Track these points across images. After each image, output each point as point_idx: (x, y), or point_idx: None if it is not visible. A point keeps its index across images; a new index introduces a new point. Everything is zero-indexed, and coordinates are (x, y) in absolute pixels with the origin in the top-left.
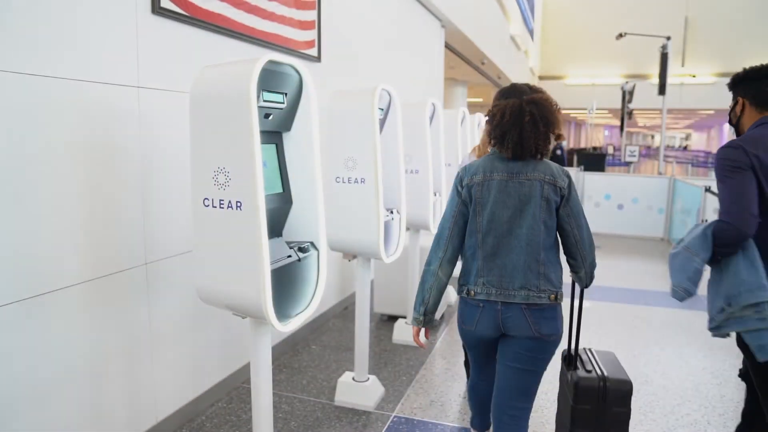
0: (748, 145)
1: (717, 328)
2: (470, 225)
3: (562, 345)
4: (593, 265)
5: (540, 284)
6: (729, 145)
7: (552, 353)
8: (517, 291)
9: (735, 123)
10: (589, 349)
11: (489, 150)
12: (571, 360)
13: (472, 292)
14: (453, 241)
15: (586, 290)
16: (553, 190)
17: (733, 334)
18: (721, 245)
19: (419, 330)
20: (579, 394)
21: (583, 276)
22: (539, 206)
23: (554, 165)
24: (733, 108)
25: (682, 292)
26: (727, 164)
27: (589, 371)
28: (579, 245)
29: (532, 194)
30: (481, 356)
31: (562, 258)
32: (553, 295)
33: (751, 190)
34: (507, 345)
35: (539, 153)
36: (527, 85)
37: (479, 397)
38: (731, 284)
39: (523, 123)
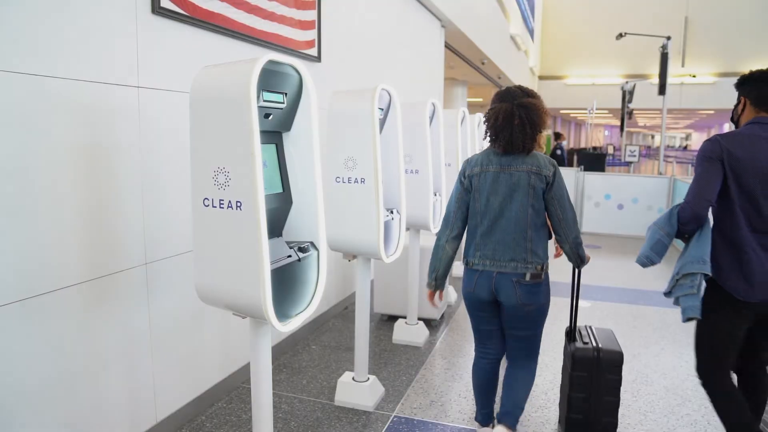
0: (725, 139)
1: (669, 293)
2: (471, 209)
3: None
4: (577, 240)
5: (527, 257)
6: (709, 139)
7: (537, 320)
8: (508, 263)
9: (736, 120)
10: (589, 326)
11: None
12: (571, 334)
13: (471, 263)
14: (457, 222)
15: (587, 290)
16: (538, 179)
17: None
18: (681, 223)
19: (433, 293)
20: (576, 363)
21: (569, 251)
22: (526, 193)
23: (542, 157)
24: (736, 106)
25: (645, 260)
26: (702, 155)
27: (585, 343)
28: (562, 223)
29: (520, 183)
30: (482, 322)
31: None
32: (539, 266)
33: (714, 180)
34: (504, 314)
35: (526, 149)
36: (520, 89)
37: (479, 380)
38: (684, 257)
39: (513, 125)
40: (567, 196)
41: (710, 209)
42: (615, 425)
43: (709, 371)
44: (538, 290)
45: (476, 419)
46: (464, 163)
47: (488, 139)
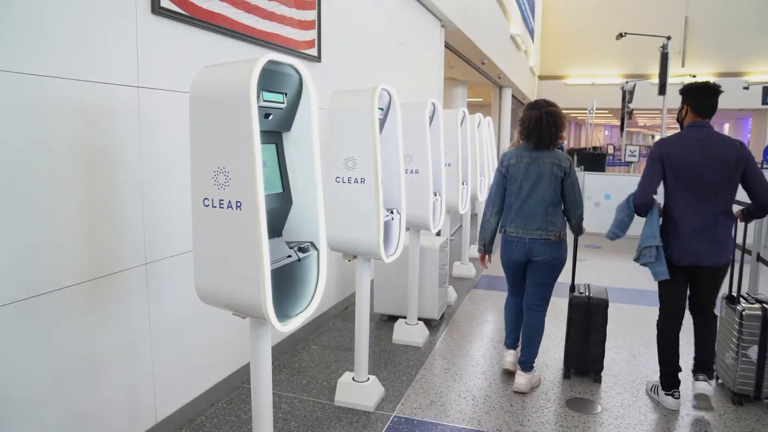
0: (665, 143)
1: (636, 259)
2: (508, 191)
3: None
4: (581, 217)
5: (548, 226)
6: (655, 143)
7: (557, 270)
8: (535, 230)
9: (680, 122)
10: (588, 284)
11: (520, 143)
12: (571, 287)
13: (508, 231)
14: (497, 200)
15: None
16: (559, 169)
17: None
18: (635, 206)
19: (484, 256)
20: (572, 307)
21: (574, 223)
22: (550, 180)
23: (562, 153)
24: (680, 110)
25: (612, 235)
26: (648, 156)
27: (581, 293)
28: (572, 204)
29: (545, 172)
30: (515, 276)
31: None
32: (557, 233)
33: (655, 175)
34: (532, 267)
35: (552, 145)
36: (545, 101)
37: (510, 312)
38: (642, 234)
39: (542, 127)
40: (578, 183)
41: (655, 195)
42: (602, 354)
43: (664, 323)
44: (561, 247)
45: (505, 344)
46: (502, 156)
47: (522, 137)
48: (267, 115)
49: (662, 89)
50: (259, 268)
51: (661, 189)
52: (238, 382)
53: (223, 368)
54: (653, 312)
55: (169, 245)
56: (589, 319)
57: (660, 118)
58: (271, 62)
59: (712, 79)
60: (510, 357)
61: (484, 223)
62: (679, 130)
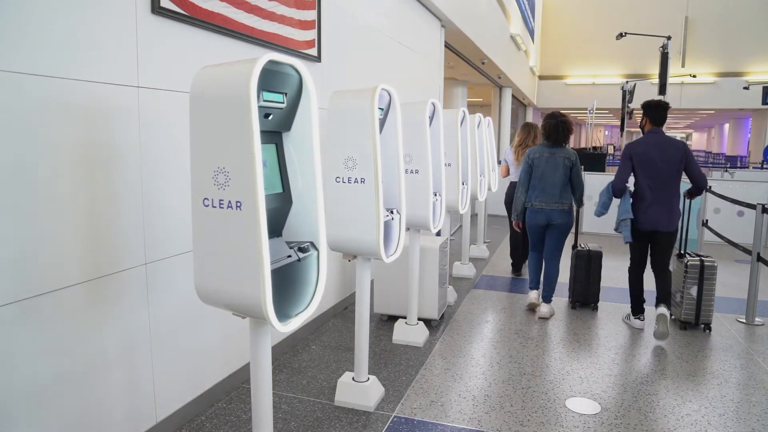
0: (633, 145)
1: (616, 229)
2: (533, 177)
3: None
4: (582, 194)
5: (562, 200)
6: (626, 145)
7: (568, 231)
8: (553, 203)
9: (642, 128)
10: (587, 243)
11: (541, 141)
12: (574, 246)
13: (534, 204)
14: (525, 183)
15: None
16: (569, 161)
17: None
18: (613, 191)
19: (518, 223)
20: (577, 258)
21: (577, 198)
22: (562, 169)
23: (570, 150)
24: (641, 121)
25: (598, 212)
26: (621, 155)
27: (583, 248)
28: (577, 186)
29: (559, 163)
30: (537, 237)
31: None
32: (567, 205)
33: (626, 170)
34: (551, 229)
35: (564, 143)
36: (558, 113)
37: (534, 264)
38: (618, 210)
39: (558, 131)
40: (581, 171)
41: (627, 183)
42: (598, 290)
43: (633, 269)
44: (570, 214)
45: (529, 287)
46: (528, 151)
47: (544, 138)
48: (267, 115)
49: (662, 89)
50: (259, 268)
51: (631, 179)
52: (238, 382)
53: (223, 368)
54: (653, 312)
55: (169, 245)
56: (589, 265)
57: None
58: (271, 62)
59: (712, 79)
60: (534, 294)
61: (517, 200)
62: (641, 135)
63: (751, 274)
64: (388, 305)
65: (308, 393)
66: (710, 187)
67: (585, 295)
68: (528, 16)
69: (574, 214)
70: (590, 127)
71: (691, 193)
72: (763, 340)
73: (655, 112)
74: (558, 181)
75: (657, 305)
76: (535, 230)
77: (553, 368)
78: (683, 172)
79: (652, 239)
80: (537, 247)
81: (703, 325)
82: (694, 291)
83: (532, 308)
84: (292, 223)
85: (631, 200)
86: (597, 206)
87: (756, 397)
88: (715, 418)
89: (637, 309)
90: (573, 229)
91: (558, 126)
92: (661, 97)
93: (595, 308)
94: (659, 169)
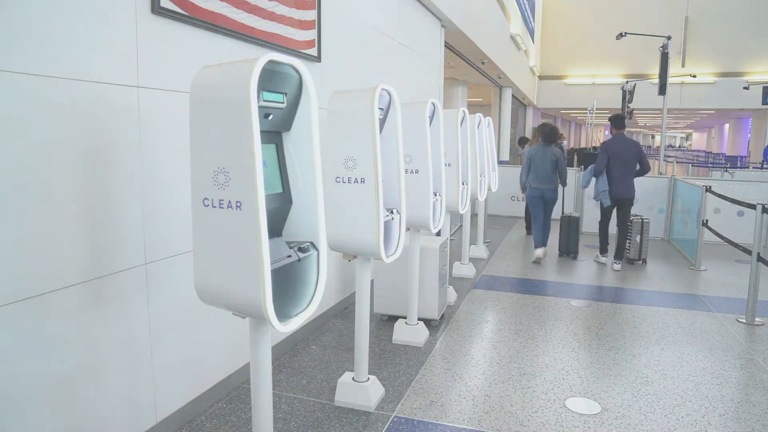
0: (607, 143)
1: (594, 198)
2: (531, 167)
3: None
4: (565, 178)
5: (551, 182)
6: (602, 143)
7: (554, 202)
8: (546, 185)
9: (611, 131)
10: (570, 212)
11: (538, 142)
12: (562, 217)
13: (533, 185)
14: (526, 170)
15: (587, 291)
16: (554, 157)
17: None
18: (594, 173)
19: (524, 190)
20: (562, 222)
21: (561, 181)
22: (550, 161)
23: (556, 149)
24: (610, 128)
25: (583, 185)
26: (599, 150)
27: (566, 215)
28: (561, 173)
29: (548, 158)
30: (538, 207)
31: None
32: (555, 185)
33: (603, 160)
34: (545, 203)
35: (553, 143)
36: (549, 123)
37: (537, 227)
38: (596, 185)
39: (548, 135)
40: (564, 162)
41: (604, 168)
42: (577, 244)
43: (603, 222)
44: (556, 192)
45: (535, 246)
46: (528, 149)
47: (540, 140)
48: (267, 115)
49: (662, 89)
50: (259, 268)
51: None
52: (238, 382)
53: (223, 368)
54: (653, 312)
55: (169, 245)
56: (569, 226)
57: (660, 118)
58: (271, 62)
59: (712, 79)
60: (540, 251)
61: (521, 181)
62: (610, 136)
63: (751, 274)
64: (388, 305)
65: (308, 393)
66: (710, 187)
67: (568, 247)
68: (528, 16)
69: (559, 190)
70: (590, 127)
71: (638, 174)
72: (763, 340)
73: (619, 120)
74: (548, 170)
75: (614, 261)
76: (536, 204)
77: (553, 368)
78: (637, 161)
79: (618, 203)
80: (538, 216)
81: (642, 261)
82: (638, 238)
83: (537, 262)
84: (292, 223)
85: (605, 178)
86: (582, 181)
87: (756, 397)
88: (715, 418)
89: (603, 249)
90: (560, 202)
91: (549, 132)
92: (661, 97)
93: (575, 257)
94: (624, 159)
